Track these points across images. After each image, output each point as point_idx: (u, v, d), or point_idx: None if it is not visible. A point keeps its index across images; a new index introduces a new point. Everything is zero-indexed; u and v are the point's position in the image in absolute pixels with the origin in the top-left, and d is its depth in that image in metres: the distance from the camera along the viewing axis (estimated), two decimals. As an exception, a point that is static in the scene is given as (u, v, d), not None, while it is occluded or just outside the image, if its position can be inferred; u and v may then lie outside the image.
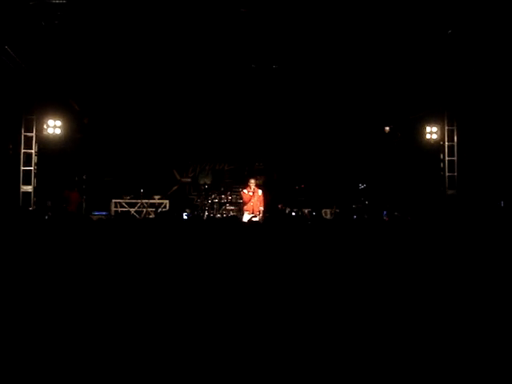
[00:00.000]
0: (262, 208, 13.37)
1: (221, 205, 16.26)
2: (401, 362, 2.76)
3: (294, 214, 15.41)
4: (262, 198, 13.51)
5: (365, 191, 17.27)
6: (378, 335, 3.07)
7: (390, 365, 2.75)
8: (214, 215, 15.75)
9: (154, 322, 3.20)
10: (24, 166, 13.93)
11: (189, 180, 18.51)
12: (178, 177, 18.51)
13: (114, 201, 16.06)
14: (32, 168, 13.96)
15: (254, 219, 12.74)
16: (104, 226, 6.12)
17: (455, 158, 15.45)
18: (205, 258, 4.31)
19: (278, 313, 3.30)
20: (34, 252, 4.46)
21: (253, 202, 13.32)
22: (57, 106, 14.64)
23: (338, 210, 16.03)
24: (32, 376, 2.65)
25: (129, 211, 15.74)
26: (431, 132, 15.71)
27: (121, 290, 3.66)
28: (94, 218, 10.84)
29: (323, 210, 16.37)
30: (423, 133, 15.82)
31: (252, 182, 13.59)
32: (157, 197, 16.45)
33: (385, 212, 15.35)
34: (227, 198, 16.45)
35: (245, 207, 13.57)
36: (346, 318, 3.28)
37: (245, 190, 13.66)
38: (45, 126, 14.37)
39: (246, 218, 13.09)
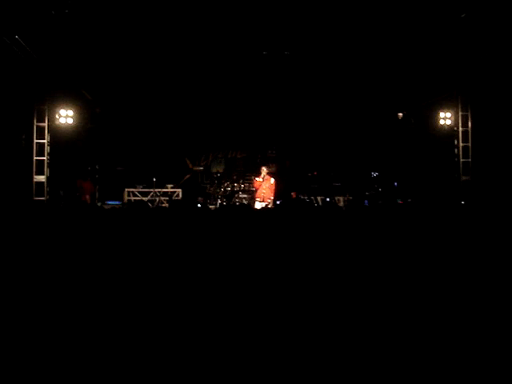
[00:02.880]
0: (272, 197, 13.33)
1: (233, 193, 16.26)
2: (411, 356, 2.73)
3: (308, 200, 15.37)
4: (273, 186, 13.48)
5: (378, 178, 17.19)
6: (391, 325, 3.04)
7: (400, 357, 2.72)
8: (227, 203, 15.74)
9: (167, 312, 3.19)
10: (37, 156, 13.99)
11: (201, 168, 18.51)
12: (191, 165, 18.52)
13: (126, 190, 16.10)
14: (45, 158, 14.02)
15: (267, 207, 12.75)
16: (117, 215, 6.12)
17: (469, 144, 15.31)
18: (217, 246, 4.30)
19: (288, 302, 3.28)
20: (46, 242, 4.46)
21: (264, 189, 13.30)
22: (69, 96, 14.65)
23: (350, 198, 15.96)
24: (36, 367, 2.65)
25: (142, 200, 15.77)
26: (445, 117, 15.58)
27: (133, 280, 3.66)
28: (107, 207, 10.84)
29: (336, 198, 16.31)
30: (437, 118, 15.69)
31: (264, 169, 13.56)
32: (169, 186, 16.46)
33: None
34: (240, 186, 16.44)
35: (256, 194, 13.56)
36: (358, 308, 3.25)
37: (257, 178, 13.67)
38: (57, 116, 14.39)
39: (257, 205, 13.10)
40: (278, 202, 13.13)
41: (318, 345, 2.82)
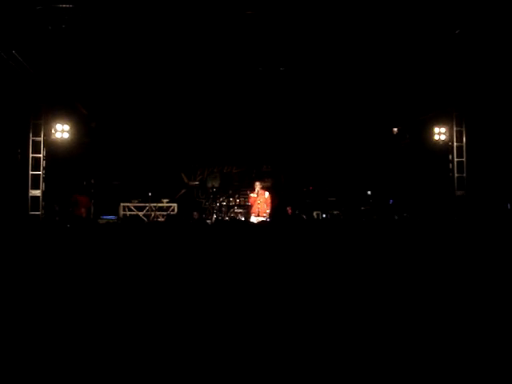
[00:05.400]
0: (267, 211, 13.38)
1: (229, 208, 16.28)
2: (403, 362, 2.73)
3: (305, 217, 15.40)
4: (268, 200, 13.53)
5: (373, 194, 17.22)
6: (383, 335, 3.04)
7: (392, 365, 2.72)
8: (223, 218, 15.75)
9: (161, 323, 3.19)
10: (32, 171, 13.96)
11: (197, 183, 18.53)
12: (186, 180, 18.54)
13: (122, 204, 16.10)
14: (40, 172, 13.99)
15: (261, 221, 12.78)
16: (112, 230, 6.14)
17: (464, 159, 15.37)
18: (213, 258, 4.30)
19: (282, 311, 3.29)
20: (42, 256, 4.46)
21: (259, 204, 13.35)
22: (64, 111, 14.68)
23: (342, 213, 16.00)
24: (33, 374, 2.64)
25: (137, 215, 15.77)
26: (440, 133, 15.65)
27: (128, 293, 3.66)
28: (102, 221, 10.85)
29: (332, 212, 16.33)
30: (432, 134, 15.77)
31: (257, 184, 13.66)
32: (165, 200, 16.48)
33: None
34: (235, 201, 16.47)
35: (251, 210, 13.62)
36: (351, 317, 3.26)
37: (251, 194, 13.74)
38: (53, 131, 14.39)
39: (253, 220, 13.13)
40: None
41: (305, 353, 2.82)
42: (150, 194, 15.98)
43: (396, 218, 14.74)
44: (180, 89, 15.35)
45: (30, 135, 14.04)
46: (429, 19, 11.05)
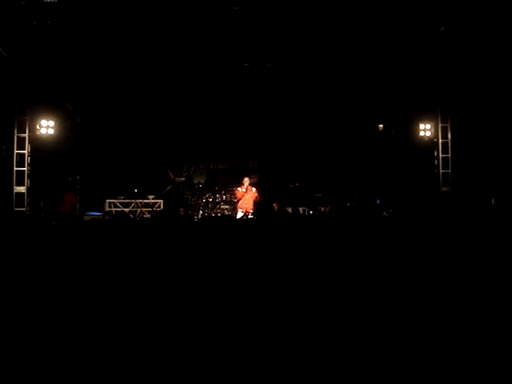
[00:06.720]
0: (253, 207, 13.36)
1: (215, 204, 16.25)
2: (398, 361, 2.75)
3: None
4: (255, 195, 13.53)
5: (359, 189, 17.28)
6: (377, 332, 3.06)
7: (388, 364, 2.74)
8: (209, 214, 15.74)
9: (151, 322, 3.18)
10: (17, 167, 13.85)
11: (183, 179, 18.47)
12: (172, 176, 18.48)
13: (107, 201, 16.02)
14: (25, 169, 13.89)
15: (248, 216, 12.77)
16: (98, 226, 6.11)
17: (449, 155, 15.45)
18: (200, 255, 4.30)
19: (275, 310, 3.29)
20: (27, 252, 4.44)
21: (246, 199, 13.33)
22: (50, 107, 14.56)
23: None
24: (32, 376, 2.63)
25: (123, 211, 15.69)
26: (425, 129, 15.71)
27: (119, 290, 3.65)
28: (88, 218, 10.79)
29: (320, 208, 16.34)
30: (417, 130, 15.82)
31: (246, 180, 13.61)
32: (151, 196, 16.42)
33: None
34: (221, 197, 16.44)
35: (238, 205, 13.59)
36: (344, 315, 3.27)
37: (238, 188, 13.70)
38: (38, 127, 14.27)
39: (239, 215, 13.12)
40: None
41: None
42: (135, 191, 15.92)
43: (385, 213, 14.77)
44: (166, 85, 15.30)
45: (15, 131, 13.93)
46: (414, 17, 11.10)
